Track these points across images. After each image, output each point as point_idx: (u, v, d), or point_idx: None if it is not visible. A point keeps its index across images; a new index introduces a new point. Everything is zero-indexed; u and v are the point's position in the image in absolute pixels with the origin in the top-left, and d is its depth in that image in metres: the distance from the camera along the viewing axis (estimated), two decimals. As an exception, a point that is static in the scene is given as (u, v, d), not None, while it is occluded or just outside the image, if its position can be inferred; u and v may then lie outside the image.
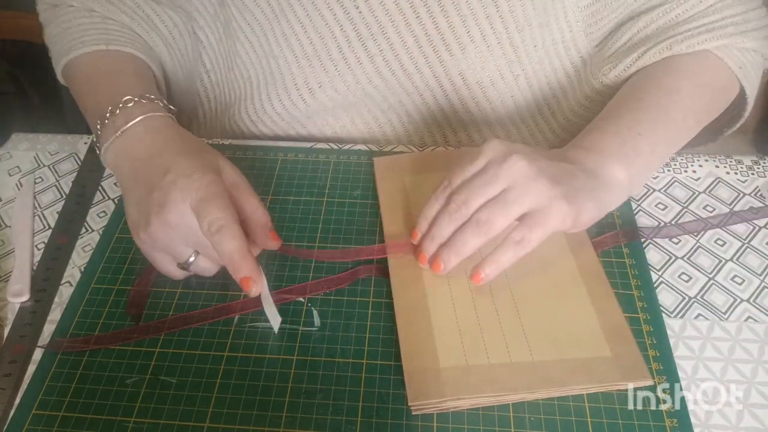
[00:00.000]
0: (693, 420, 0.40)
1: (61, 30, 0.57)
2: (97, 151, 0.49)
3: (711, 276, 0.49)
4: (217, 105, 0.67)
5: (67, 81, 0.57)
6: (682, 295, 0.48)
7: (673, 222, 0.52)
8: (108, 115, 0.48)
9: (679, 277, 0.49)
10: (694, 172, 0.56)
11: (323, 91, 0.60)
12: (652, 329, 0.45)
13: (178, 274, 0.47)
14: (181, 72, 0.62)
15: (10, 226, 0.54)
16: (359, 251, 0.50)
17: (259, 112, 0.63)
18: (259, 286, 0.41)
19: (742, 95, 0.55)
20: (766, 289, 0.48)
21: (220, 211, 0.41)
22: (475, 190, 0.44)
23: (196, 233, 0.42)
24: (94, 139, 0.50)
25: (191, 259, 0.45)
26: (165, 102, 0.50)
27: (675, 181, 0.56)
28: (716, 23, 0.53)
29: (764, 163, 0.57)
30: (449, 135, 0.64)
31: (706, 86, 0.53)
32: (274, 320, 0.44)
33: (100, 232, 0.53)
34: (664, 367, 0.43)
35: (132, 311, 0.47)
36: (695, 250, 0.51)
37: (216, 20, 0.62)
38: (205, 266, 0.46)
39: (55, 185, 0.58)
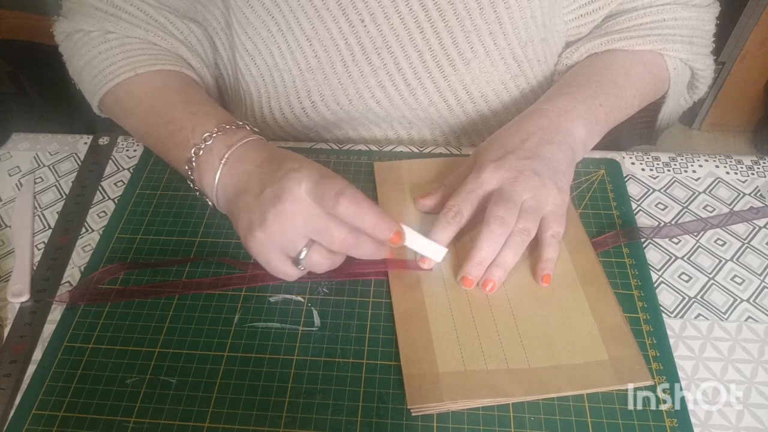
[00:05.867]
0: (693, 420, 0.41)
1: (84, 63, 0.58)
2: (191, 185, 0.51)
3: (711, 276, 0.49)
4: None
5: (108, 113, 0.58)
6: (682, 295, 0.48)
7: (673, 222, 0.52)
8: (194, 158, 0.49)
9: (679, 277, 0.49)
10: (694, 172, 0.56)
11: (325, 104, 0.60)
12: (652, 329, 0.45)
13: (294, 272, 0.45)
14: (208, 72, 0.64)
15: (10, 226, 0.54)
16: (358, 267, 0.49)
17: (260, 125, 0.63)
18: (403, 236, 0.44)
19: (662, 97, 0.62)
20: (766, 289, 0.48)
21: (341, 181, 0.42)
22: (509, 210, 0.47)
23: (311, 219, 0.43)
24: (190, 174, 0.50)
25: (304, 252, 0.44)
26: (250, 126, 0.51)
27: (675, 181, 0.56)
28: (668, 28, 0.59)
29: (764, 163, 0.57)
30: (452, 141, 0.64)
31: (655, 75, 0.59)
32: (433, 252, 0.47)
33: (100, 232, 0.53)
34: (664, 367, 0.43)
35: (73, 299, 0.48)
36: (695, 250, 0.51)
37: (226, 30, 0.62)
38: (318, 260, 0.44)
39: (55, 185, 0.58)
